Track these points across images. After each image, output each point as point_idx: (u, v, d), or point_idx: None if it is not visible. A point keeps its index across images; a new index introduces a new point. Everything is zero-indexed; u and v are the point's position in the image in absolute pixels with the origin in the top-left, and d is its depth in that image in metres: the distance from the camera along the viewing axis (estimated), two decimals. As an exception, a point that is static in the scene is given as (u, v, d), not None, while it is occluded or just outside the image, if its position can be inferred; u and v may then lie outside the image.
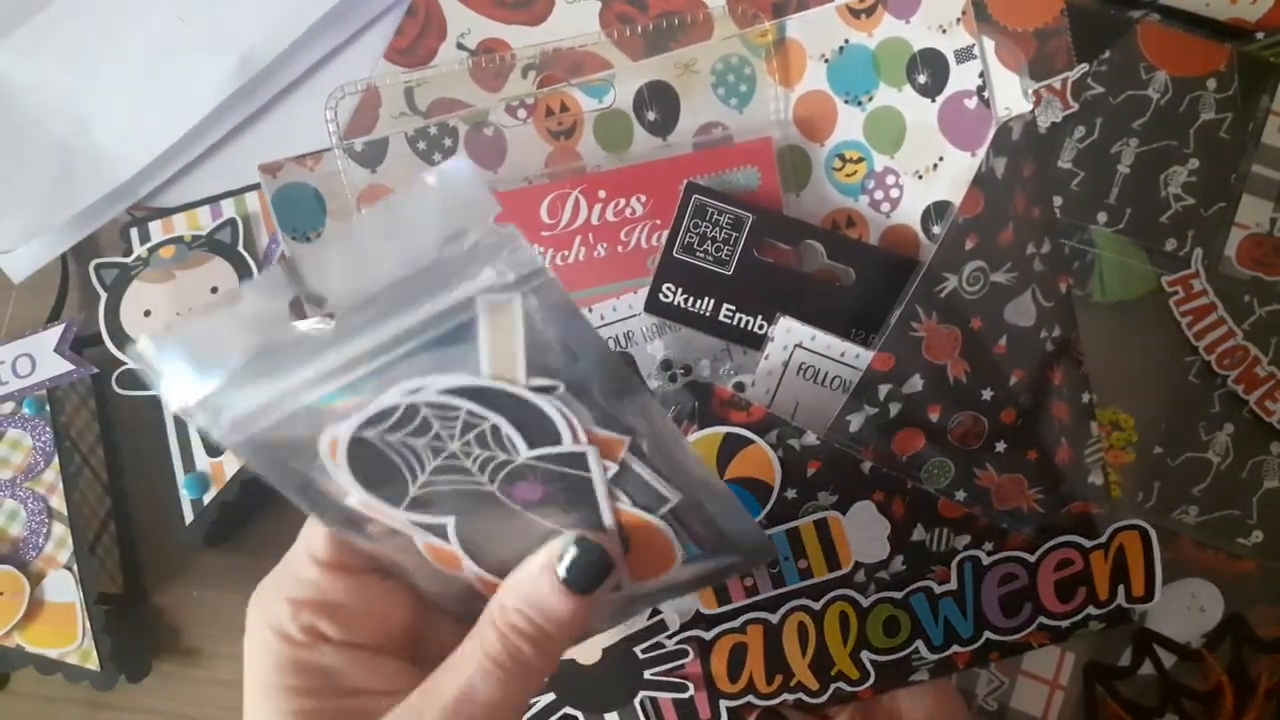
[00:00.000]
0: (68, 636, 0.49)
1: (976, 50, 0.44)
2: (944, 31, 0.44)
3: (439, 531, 0.28)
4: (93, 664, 0.49)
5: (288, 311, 0.24)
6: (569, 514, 0.28)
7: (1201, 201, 0.48)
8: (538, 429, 0.26)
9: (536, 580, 0.29)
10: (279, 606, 0.30)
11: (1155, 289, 0.48)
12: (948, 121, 0.45)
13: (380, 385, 0.25)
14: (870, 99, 0.46)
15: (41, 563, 0.49)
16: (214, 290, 0.51)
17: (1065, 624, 0.40)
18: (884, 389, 0.39)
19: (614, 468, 0.27)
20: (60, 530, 0.50)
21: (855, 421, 0.40)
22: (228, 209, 0.52)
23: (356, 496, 0.28)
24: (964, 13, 0.44)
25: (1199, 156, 0.48)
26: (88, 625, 0.49)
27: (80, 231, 0.54)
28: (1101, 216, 0.49)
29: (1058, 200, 0.48)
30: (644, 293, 0.45)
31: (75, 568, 0.49)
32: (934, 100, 0.45)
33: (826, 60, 0.46)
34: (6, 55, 0.54)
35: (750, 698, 0.40)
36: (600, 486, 0.28)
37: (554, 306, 0.25)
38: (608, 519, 0.28)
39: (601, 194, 0.46)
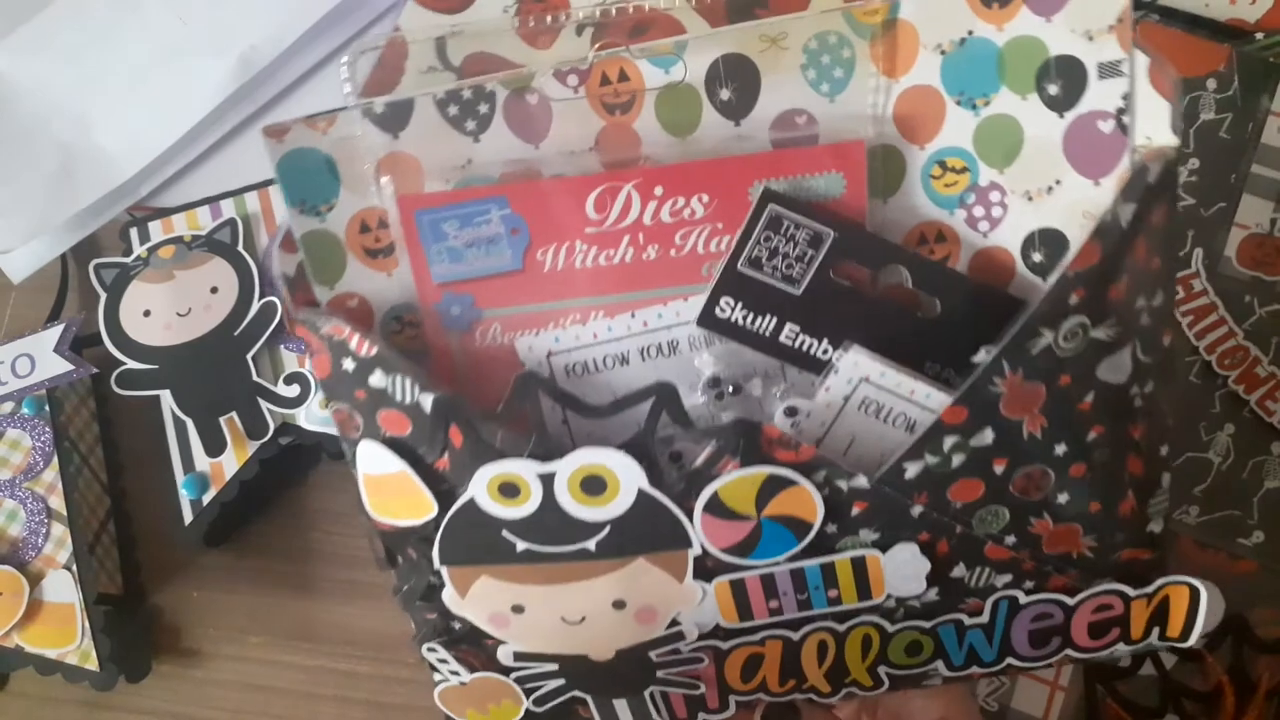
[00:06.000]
0: (67, 637, 0.47)
1: (1126, 67, 0.36)
2: (1090, 39, 0.36)
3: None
4: (92, 664, 0.47)
5: None
6: None
7: (1201, 201, 0.47)
8: None
9: None
10: None
11: (1155, 289, 0.49)
12: (1074, 142, 0.37)
13: None
14: (987, 103, 0.39)
15: (41, 563, 0.47)
16: (214, 290, 0.51)
17: (1091, 656, 0.38)
18: (950, 440, 0.34)
19: None
20: (59, 530, 0.48)
21: (912, 469, 0.35)
22: (227, 209, 0.50)
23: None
24: (1120, 20, 0.35)
25: (1199, 156, 0.47)
26: (87, 625, 0.47)
27: (80, 232, 0.52)
28: (1101, 217, 0.49)
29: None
30: (695, 300, 0.39)
31: (74, 568, 0.47)
32: (1063, 115, 0.37)
33: (943, 52, 0.38)
34: (7, 55, 0.53)
35: (761, 695, 0.39)
36: None
37: None
38: None
39: (659, 190, 0.39)
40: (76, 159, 0.52)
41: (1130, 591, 0.37)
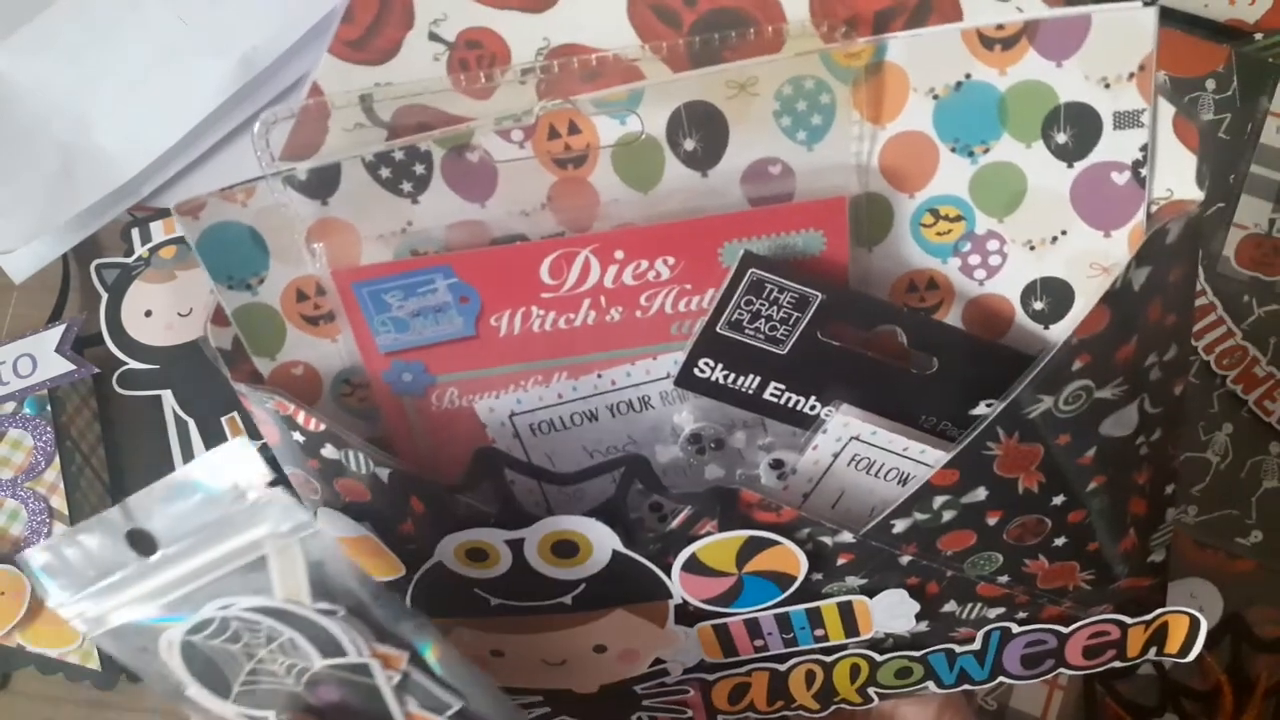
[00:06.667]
0: (69, 636, 0.47)
1: (1146, 117, 0.34)
2: (1107, 86, 0.34)
3: None
4: (93, 664, 0.47)
5: (125, 543, 0.29)
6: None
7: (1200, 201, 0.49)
8: (326, 642, 0.31)
9: None
10: None
11: (1154, 289, 0.49)
12: (1084, 193, 0.35)
13: (197, 604, 0.30)
14: (986, 151, 0.36)
15: None
16: (213, 291, 0.51)
17: (1085, 673, 0.39)
18: (940, 499, 0.33)
19: (397, 676, 0.31)
20: (61, 530, 0.48)
21: (900, 525, 0.33)
22: (229, 209, 0.52)
23: (194, 689, 0.32)
24: (1142, 68, 0.33)
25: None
26: None
27: (81, 232, 0.52)
28: (1101, 216, 0.49)
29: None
30: (665, 358, 0.36)
31: None
32: (1071, 165, 0.35)
33: (936, 97, 0.35)
34: (7, 56, 0.53)
35: (749, 714, 0.39)
36: (387, 692, 0.31)
37: (324, 550, 0.30)
38: (397, 718, 0.32)
39: (619, 254, 0.35)
40: (77, 159, 0.52)
41: (1128, 620, 0.36)
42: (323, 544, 0.30)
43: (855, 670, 0.37)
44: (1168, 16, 0.48)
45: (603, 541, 0.33)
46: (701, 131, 0.35)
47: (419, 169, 0.35)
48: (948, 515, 0.33)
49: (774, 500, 0.33)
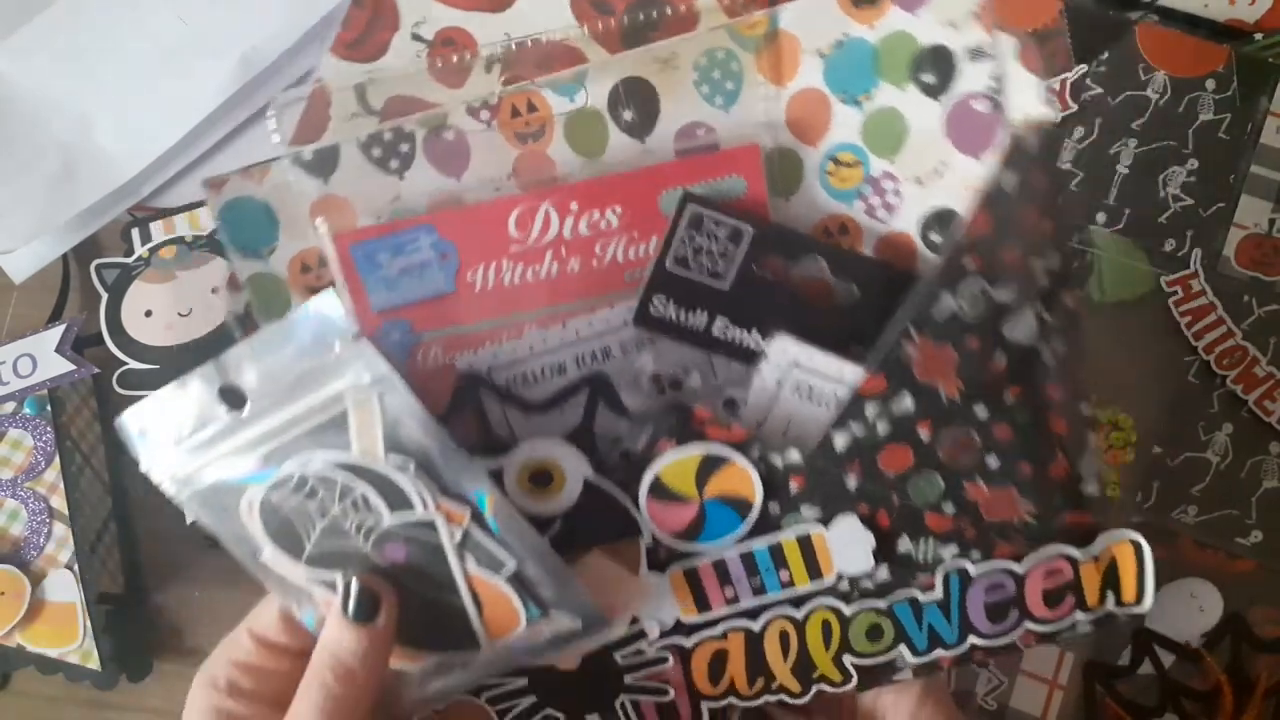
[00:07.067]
0: (69, 636, 0.47)
1: (991, 49, 0.39)
2: (955, 27, 0.39)
3: (333, 587, 0.34)
4: (94, 664, 0.47)
5: (218, 397, 0.32)
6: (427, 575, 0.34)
7: (1200, 202, 0.47)
8: (396, 497, 0.33)
9: (330, 625, 0.34)
10: (216, 662, 0.36)
11: (1154, 289, 0.47)
12: (954, 125, 0.40)
13: (280, 461, 0.33)
14: (869, 98, 0.41)
15: (43, 562, 0.48)
16: (214, 291, 0.51)
17: (1052, 629, 0.39)
18: (872, 408, 0.37)
19: (459, 533, 0.34)
20: (61, 530, 0.48)
21: (841, 440, 0.37)
22: (229, 209, 0.52)
23: (268, 551, 0.34)
24: (982, 7, 0.38)
25: (1198, 157, 0.47)
26: (89, 625, 0.47)
27: (81, 232, 0.52)
28: (1100, 217, 0.47)
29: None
30: (621, 307, 0.40)
31: (76, 567, 0.47)
32: (939, 101, 0.40)
33: (823, 55, 0.41)
34: (7, 56, 0.53)
35: (731, 699, 0.39)
36: (449, 548, 0.34)
37: (399, 405, 0.32)
38: (458, 577, 0.34)
39: (574, 206, 0.40)
40: (77, 159, 0.52)
41: (1077, 553, 0.38)
42: (398, 399, 0.32)
43: (827, 629, 0.38)
44: (1168, 17, 0.48)
45: (575, 469, 0.36)
46: (637, 103, 0.41)
47: (404, 148, 0.40)
48: (882, 428, 0.37)
49: (724, 418, 0.37)
